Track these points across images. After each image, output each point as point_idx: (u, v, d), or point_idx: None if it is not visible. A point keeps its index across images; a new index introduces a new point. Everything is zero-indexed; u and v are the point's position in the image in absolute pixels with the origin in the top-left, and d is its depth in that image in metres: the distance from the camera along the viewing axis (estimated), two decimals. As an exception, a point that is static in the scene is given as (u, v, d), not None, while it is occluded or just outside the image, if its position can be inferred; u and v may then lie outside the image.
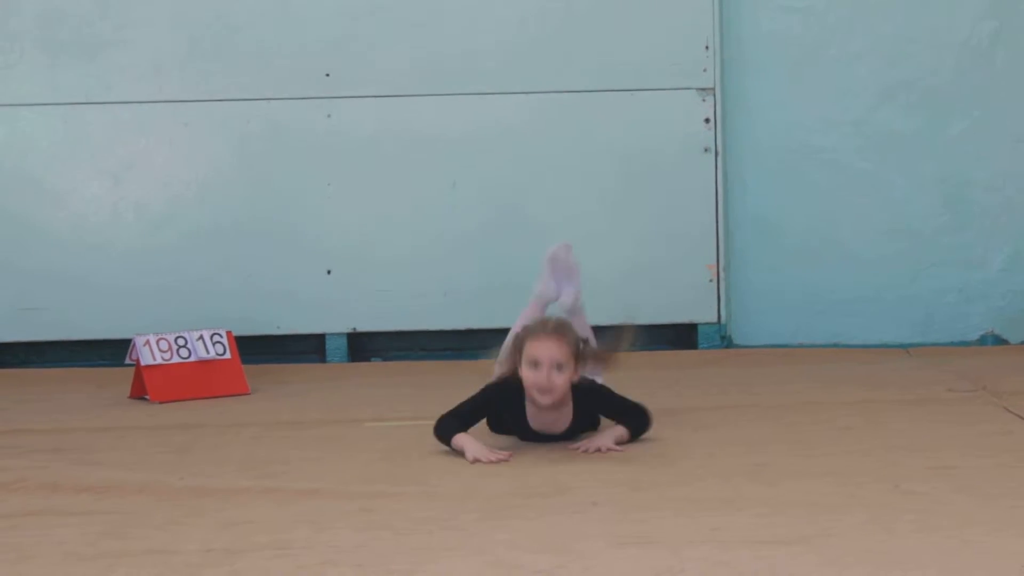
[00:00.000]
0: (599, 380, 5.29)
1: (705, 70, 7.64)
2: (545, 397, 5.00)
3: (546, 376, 4.95)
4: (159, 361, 6.55)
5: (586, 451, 5.02)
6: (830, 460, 4.83)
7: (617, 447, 5.05)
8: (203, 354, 6.67)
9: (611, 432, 5.13)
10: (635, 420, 5.18)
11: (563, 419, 5.16)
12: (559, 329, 5.03)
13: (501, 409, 5.17)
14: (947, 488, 4.35)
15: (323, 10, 7.61)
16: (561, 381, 4.97)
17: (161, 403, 6.45)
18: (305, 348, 7.83)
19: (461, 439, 5.01)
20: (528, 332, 5.05)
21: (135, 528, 4.08)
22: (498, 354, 5.40)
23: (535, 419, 5.14)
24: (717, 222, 7.69)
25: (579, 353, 5.04)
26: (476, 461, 4.87)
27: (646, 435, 5.21)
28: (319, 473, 4.80)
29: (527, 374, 4.98)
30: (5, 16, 7.56)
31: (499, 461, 4.87)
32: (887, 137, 7.79)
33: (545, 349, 4.95)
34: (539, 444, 5.14)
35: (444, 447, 5.07)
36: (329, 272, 7.69)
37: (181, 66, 7.62)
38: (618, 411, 5.20)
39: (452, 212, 7.67)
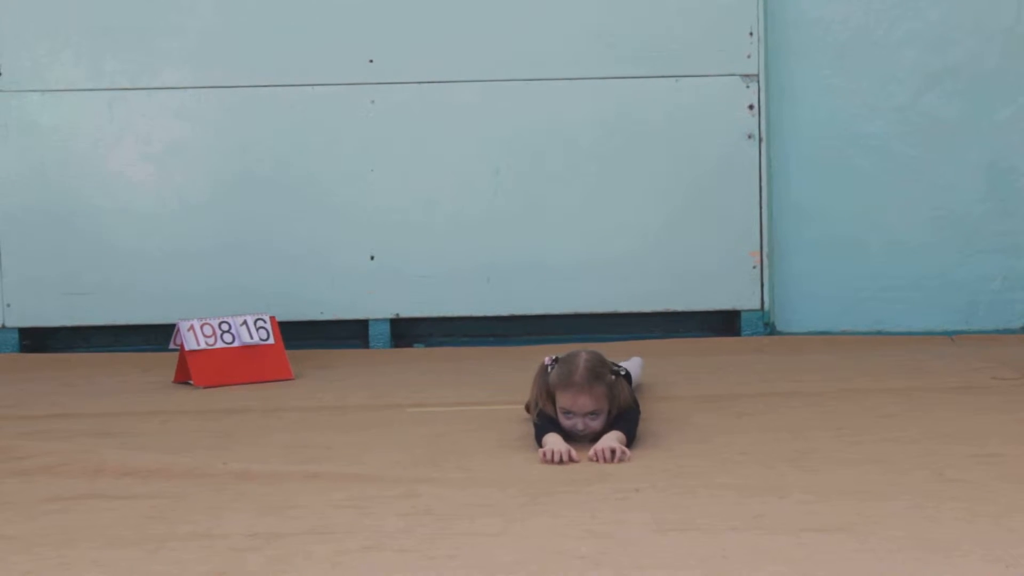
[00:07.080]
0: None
1: (749, 56, 7.62)
2: (583, 437, 4.88)
3: (582, 424, 4.86)
4: (203, 346, 6.58)
5: (599, 459, 4.66)
6: (873, 447, 4.81)
7: (627, 450, 4.72)
8: (247, 339, 6.70)
9: (614, 435, 4.78)
10: (630, 425, 4.91)
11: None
12: (589, 378, 4.84)
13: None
14: (991, 476, 4.33)
15: (366, -4, 7.64)
16: (597, 424, 4.86)
17: (205, 388, 6.48)
18: (348, 334, 7.84)
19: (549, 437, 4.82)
20: (557, 380, 4.89)
21: (179, 512, 4.10)
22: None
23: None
24: (760, 209, 7.67)
25: (613, 390, 4.87)
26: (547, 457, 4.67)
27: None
28: (362, 458, 4.82)
29: (562, 419, 4.88)
30: (51, 1, 7.60)
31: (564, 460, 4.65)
32: (932, 123, 7.74)
33: (577, 405, 4.84)
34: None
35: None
36: (372, 258, 7.70)
37: (226, 52, 7.64)
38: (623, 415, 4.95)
39: (495, 198, 7.67)
